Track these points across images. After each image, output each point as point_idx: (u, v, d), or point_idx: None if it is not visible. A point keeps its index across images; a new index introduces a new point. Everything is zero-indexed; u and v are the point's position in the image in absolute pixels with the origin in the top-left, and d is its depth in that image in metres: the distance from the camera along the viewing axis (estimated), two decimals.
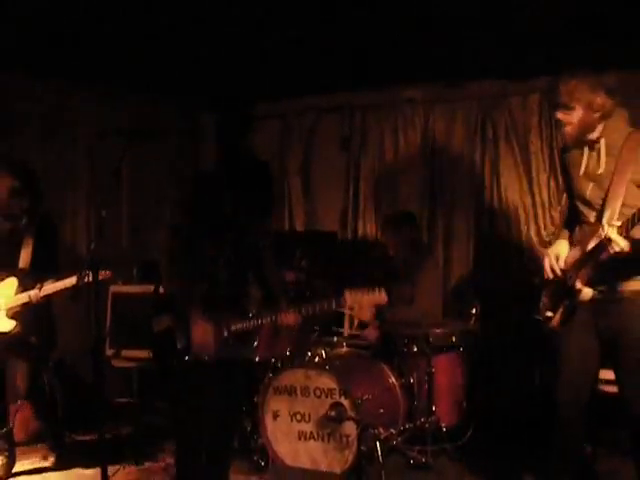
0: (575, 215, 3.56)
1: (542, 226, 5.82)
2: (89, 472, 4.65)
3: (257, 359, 4.76)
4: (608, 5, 4.24)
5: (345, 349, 5.00)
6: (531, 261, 5.66)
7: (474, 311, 5.23)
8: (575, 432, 3.56)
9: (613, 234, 3.13)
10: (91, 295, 3.51)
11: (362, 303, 3.63)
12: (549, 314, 3.56)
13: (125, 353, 5.32)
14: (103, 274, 3.99)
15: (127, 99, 6.16)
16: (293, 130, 6.87)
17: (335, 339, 5.09)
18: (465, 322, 5.20)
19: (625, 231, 3.13)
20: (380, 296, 3.58)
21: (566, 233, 3.63)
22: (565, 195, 3.82)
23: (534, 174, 5.86)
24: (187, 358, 3.59)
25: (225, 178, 3.69)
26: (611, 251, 3.16)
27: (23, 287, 4.56)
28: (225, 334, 3.59)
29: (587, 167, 3.43)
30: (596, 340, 3.47)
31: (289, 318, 3.64)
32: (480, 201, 6.09)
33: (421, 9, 4.40)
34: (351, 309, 3.72)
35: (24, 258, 4.61)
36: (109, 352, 5.37)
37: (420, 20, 4.60)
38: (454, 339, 4.99)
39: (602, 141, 3.37)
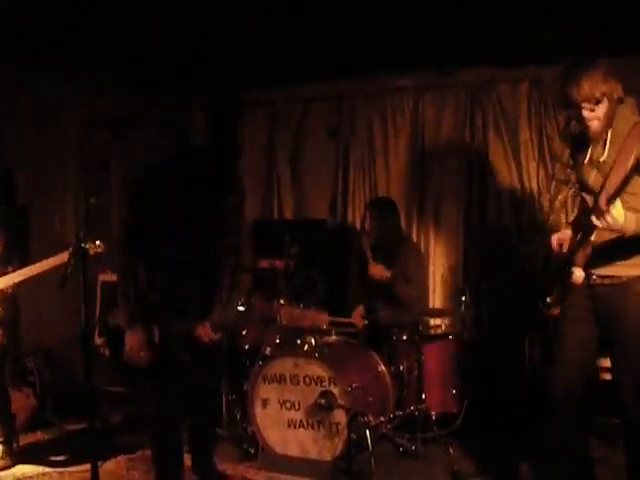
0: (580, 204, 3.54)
1: (531, 214, 5.82)
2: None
3: (246, 347, 4.78)
4: None
5: (334, 337, 5.00)
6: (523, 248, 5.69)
7: (463, 299, 5.25)
8: (569, 420, 3.54)
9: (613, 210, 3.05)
10: (80, 283, 3.49)
11: (299, 320, 3.68)
12: (549, 300, 3.53)
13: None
14: (94, 247, 3.96)
15: (116, 87, 6.12)
16: (282, 118, 6.84)
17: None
18: (455, 310, 5.21)
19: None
20: (321, 317, 3.64)
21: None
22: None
23: (523, 162, 5.84)
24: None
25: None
26: (595, 223, 3.10)
27: None
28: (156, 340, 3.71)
29: (592, 155, 3.39)
30: (595, 328, 3.45)
31: (204, 331, 3.74)
32: (469, 189, 6.08)
33: None
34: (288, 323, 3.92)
35: None
36: (98, 341, 5.36)
37: (408, 8, 4.58)
38: (444, 327, 5.00)
39: (609, 130, 3.31)
